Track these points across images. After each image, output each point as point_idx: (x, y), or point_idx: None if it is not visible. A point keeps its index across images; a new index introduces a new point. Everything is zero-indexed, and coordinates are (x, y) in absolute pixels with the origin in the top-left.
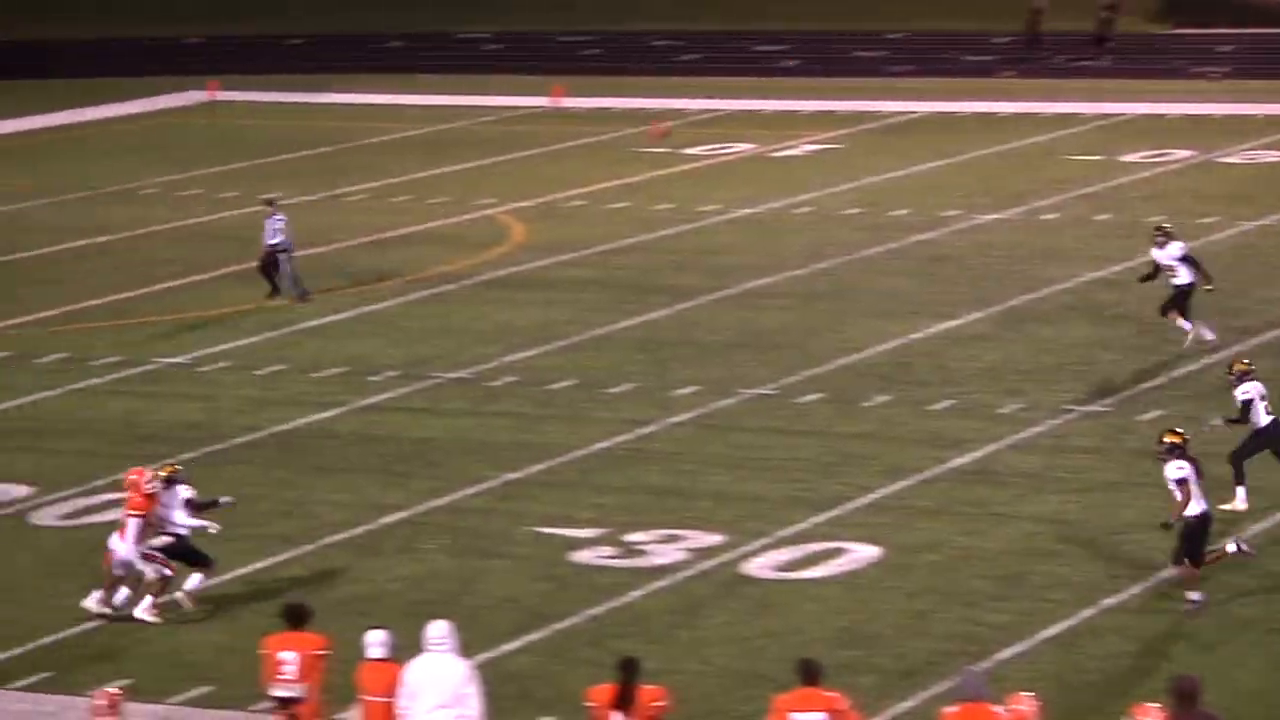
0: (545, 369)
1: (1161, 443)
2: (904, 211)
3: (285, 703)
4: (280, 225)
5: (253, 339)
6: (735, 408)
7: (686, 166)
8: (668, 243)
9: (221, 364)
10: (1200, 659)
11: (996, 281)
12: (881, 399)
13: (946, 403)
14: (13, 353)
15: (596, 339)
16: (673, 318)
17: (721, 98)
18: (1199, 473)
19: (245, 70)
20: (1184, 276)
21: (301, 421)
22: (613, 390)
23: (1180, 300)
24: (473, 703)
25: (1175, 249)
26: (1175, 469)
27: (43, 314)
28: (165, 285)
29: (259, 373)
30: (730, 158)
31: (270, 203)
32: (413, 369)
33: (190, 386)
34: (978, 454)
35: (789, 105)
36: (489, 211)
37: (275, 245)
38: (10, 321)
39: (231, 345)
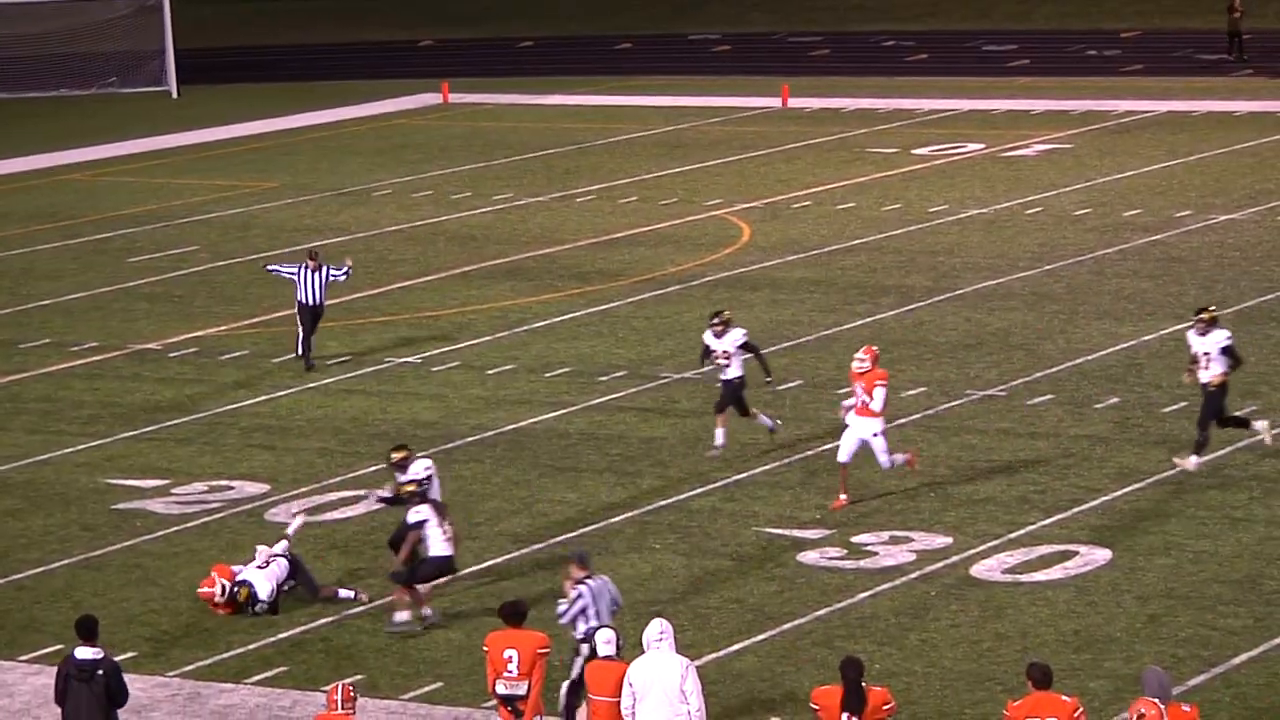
0: (772, 369)
1: (404, 490)
2: (1135, 212)
3: (508, 700)
4: (340, 278)
5: (483, 339)
6: (963, 409)
7: (915, 167)
8: (895, 243)
9: (452, 364)
10: None
11: (1230, 282)
12: (1113, 401)
13: (1179, 404)
14: (249, 351)
15: (823, 339)
16: (900, 318)
17: (951, 97)
18: (442, 518)
19: (476, 73)
20: (735, 369)
21: (531, 421)
22: (839, 391)
23: (730, 397)
24: (694, 699)
25: (738, 335)
26: (414, 513)
27: (279, 313)
28: (398, 285)
29: (489, 372)
30: (959, 158)
31: (314, 255)
32: (640, 369)
33: (422, 386)
34: (1212, 456)
35: (1019, 105)
36: (717, 212)
37: (321, 302)
38: (247, 320)
39: (462, 345)
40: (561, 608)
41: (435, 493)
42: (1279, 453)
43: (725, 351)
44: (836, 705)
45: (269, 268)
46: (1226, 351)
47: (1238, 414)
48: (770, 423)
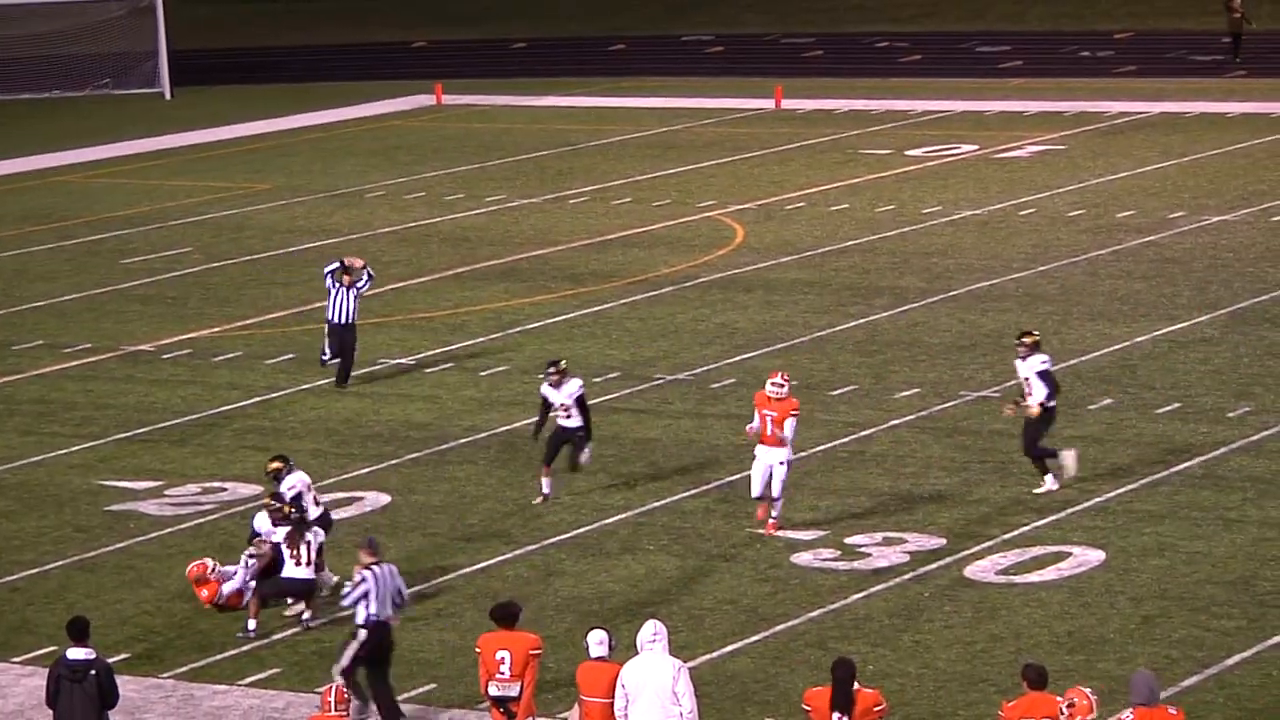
0: (766, 371)
1: (285, 509)
2: (1129, 213)
3: (500, 701)
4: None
5: (476, 340)
6: (957, 410)
7: (908, 168)
8: (889, 244)
9: (445, 365)
10: None
11: (1224, 284)
12: (1106, 402)
13: (1173, 405)
14: (243, 353)
15: (817, 340)
16: (894, 320)
17: (944, 99)
18: (296, 542)
19: (470, 74)
20: (576, 419)
21: (524, 422)
22: (833, 392)
23: (564, 442)
24: (686, 701)
25: (575, 387)
26: (274, 534)
27: (273, 315)
28: (391, 287)
29: (483, 374)
30: (953, 159)
31: (347, 269)
32: (634, 370)
33: (415, 387)
34: (1205, 457)
35: (1012, 106)
36: (710, 213)
37: (351, 320)
38: (241, 322)
39: (455, 346)
40: (345, 590)
41: (309, 505)
42: (1276, 453)
43: (564, 404)
44: (827, 705)
45: (328, 269)
46: (1043, 377)
47: (1049, 449)
48: (548, 491)
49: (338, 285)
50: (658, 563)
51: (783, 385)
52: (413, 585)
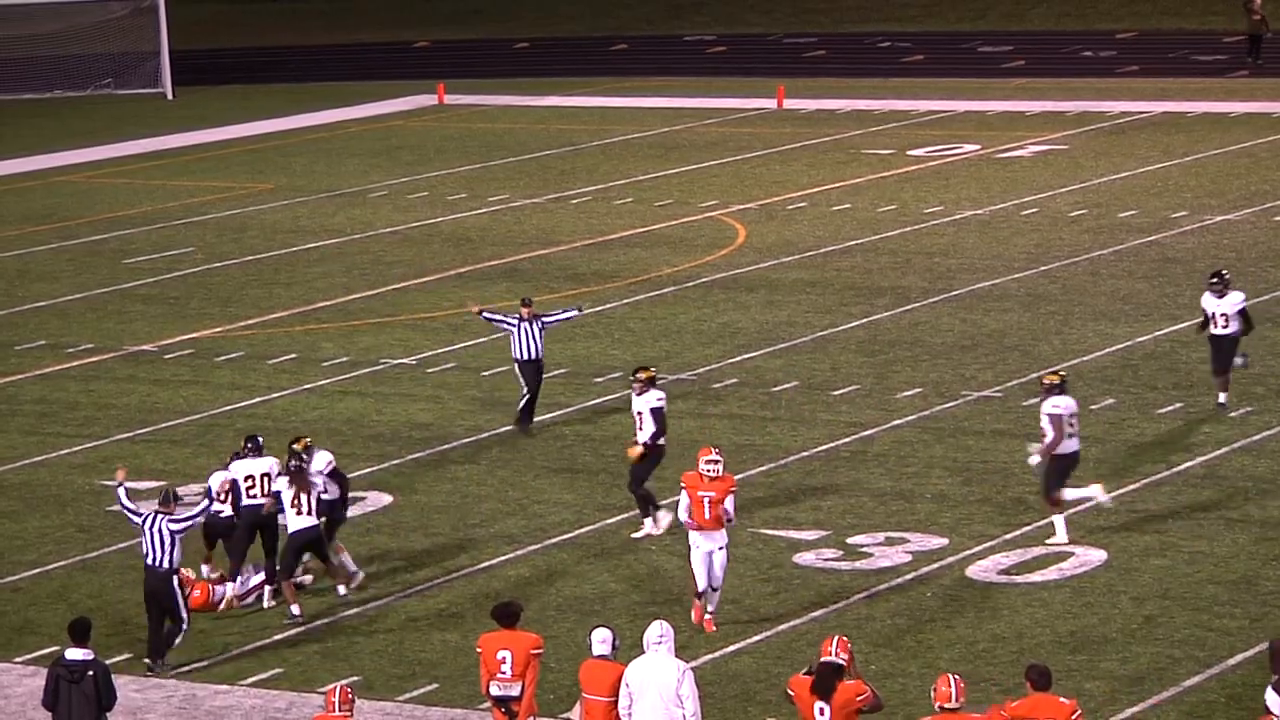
0: (768, 371)
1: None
2: (1131, 213)
3: (502, 701)
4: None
5: (478, 340)
6: (959, 410)
7: (910, 168)
8: (891, 244)
9: (448, 365)
10: None
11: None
12: (1108, 402)
13: (1174, 405)
14: (245, 353)
15: (819, 340)
16: (896, 319)
17: (946, 99)
18: (300, 490)
19: (472, 74)
20: (331, 493)
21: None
22: (835, 392)
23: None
24: (690, 703)
25: (321, 460)
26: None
27: (275, 315)
28: (393, 287)
29: (485, 374)
30: (955, 159)
31: (527, 303)
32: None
33: (417, 387)
34: (1207, 457)
35: (1014, 106)
36: (712, 213)
37: (539, 356)
38: (243, 322)
39: (458, 346)
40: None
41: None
42: (1277, 453)
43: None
44: (809, 692)
45: (484, 315)
46: (655, 414)
47: (649, 492)
48: (355, 571)
49: (519, 320)
50: (660, 562)
51: (718, 462)
52: (415, 585)
